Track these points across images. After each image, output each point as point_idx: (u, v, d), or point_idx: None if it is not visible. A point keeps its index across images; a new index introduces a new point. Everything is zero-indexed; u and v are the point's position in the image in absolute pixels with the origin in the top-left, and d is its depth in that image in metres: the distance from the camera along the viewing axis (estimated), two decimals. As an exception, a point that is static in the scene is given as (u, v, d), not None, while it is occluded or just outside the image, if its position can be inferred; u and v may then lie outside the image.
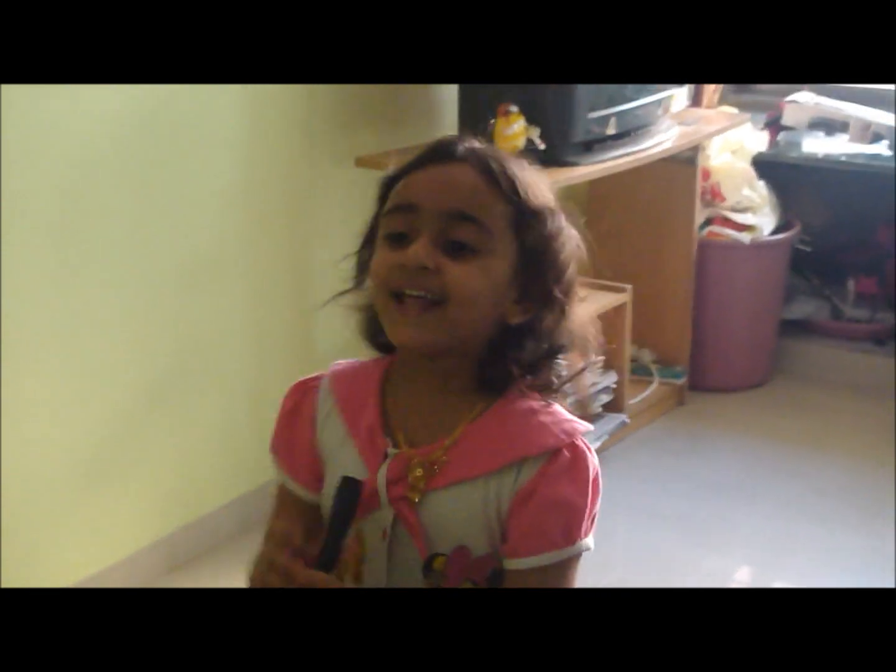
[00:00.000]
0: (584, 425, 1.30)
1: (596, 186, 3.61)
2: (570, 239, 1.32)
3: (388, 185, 1.32)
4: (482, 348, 1.29)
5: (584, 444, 1.29)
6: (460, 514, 1.28)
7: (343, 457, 1.34)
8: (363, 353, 1.39)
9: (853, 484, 3.25)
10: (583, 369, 1.33)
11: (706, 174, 3.67)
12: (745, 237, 3.67)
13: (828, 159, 3.73)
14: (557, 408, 1.30)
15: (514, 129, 2.89)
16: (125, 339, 2.63)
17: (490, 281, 1.26)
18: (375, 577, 1.31)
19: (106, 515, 2.65)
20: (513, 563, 1.28)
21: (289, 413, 1.38)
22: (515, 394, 1.30)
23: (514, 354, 1.28)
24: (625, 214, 3.69)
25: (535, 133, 2.92)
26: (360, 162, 2.87)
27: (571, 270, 1.31)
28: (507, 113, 2.89)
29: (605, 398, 3.39)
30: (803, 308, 3.97)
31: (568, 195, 3.71)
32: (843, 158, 3.72)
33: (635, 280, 3.46)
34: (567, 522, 1.27)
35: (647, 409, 3.59)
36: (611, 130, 3.09)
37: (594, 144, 3.07)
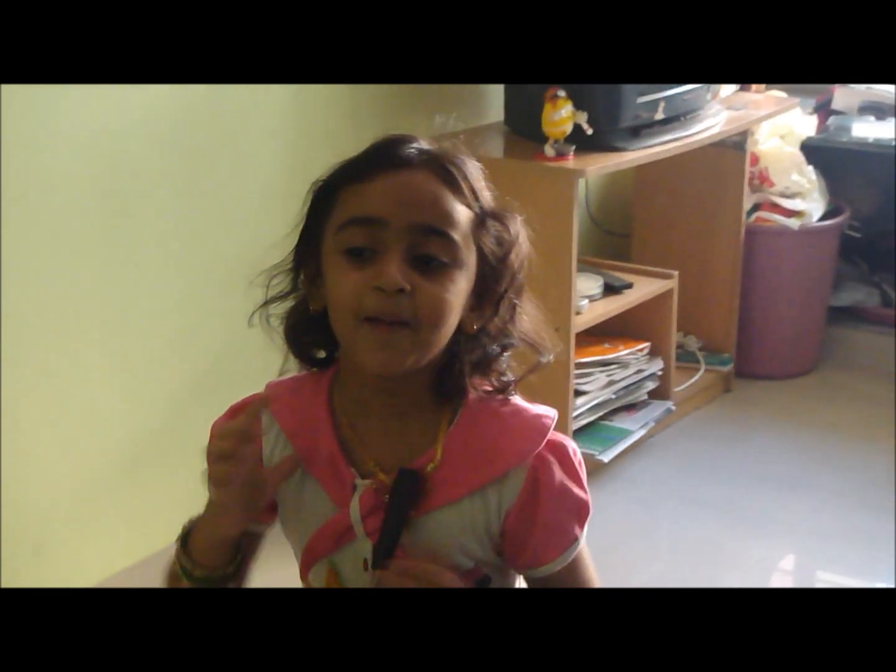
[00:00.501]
0: (549, 413, 1.29)
1: (643, 172, 3.61)
2: (522, 239, 1.29)
3: (327, 193, 1.25)
4: (438, 359, 1.26)
5: (557, 435, 1.29)
6: (444, 537, 1.26)
7: (302, 490, 1.29)
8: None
9: (902, 473, 3.21)
10: (536, 366, 1.31)
11: (754, 159, 3.65)
12: (794, 223, 3.65)
13: (878, 144, 3.68)
14: (518, 401, 1.30)
15: (562, 115, 2.89)
16: (167, 337, 2.63)
17: (460, 293, 1.23)
18: None
19: (145, 507, 2.67)
20: (541, 571, 1.30)
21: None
22: (475, 398, 1.29)
23: (468, 359, 1.27)
24: (672, 200, 3.68)
25: (582, 118, 2.92)
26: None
27: (523, 271, 1.29)
28: (555, 98, 2.88)
29: (651, 385, 3.38)
30: (852, 295, 3.94)
31: (615, 181, 3.77)
32: (894, 143, 3.66)
33: (682, 266, 3.45)
34: (578, 513, 1.29)
35: (694, 396, 3.57)
36: (659, 115, 3.08)
37: (642, 129, 3.05)
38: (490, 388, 1.29)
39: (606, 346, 3.27)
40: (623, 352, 3.28)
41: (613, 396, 3.25)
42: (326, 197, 1.24)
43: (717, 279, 3.65)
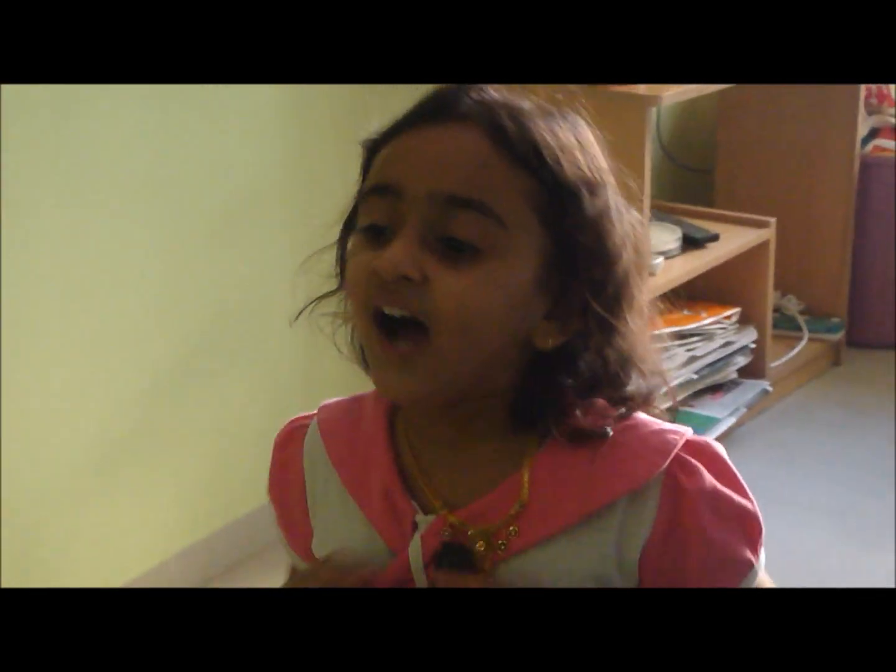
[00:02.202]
0: (679, 429, 1.13)
1: (727, 95, 3.50)
2: (623, 222, 1.11)
3: (368, 156, 1.14)
4: (511, 384, 1.12)
5: (696, 437, 1.14)
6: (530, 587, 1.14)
7: (343, 526, 1.20)
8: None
9: None
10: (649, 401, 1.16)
11: (870, 72, 3.55)
12: (921, 153, 3.55)
13: None
14: (636, 416, 1.14)
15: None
16: (148, 303, 2.61)
17: (502, 293, 1.07)
18: None
19: (123, 509, 2.67)
20: None
21: (278, 465, 1.26)
22: (576, 421, 1.14)
23: (550, 396, 1.12)
24: (765, 128, 3.59)
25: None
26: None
27: (625, 268, 1.10)
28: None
29: (742, 361, 3.29)
30: None
31: (693, 106, 3.70)
32: None
33: (780, 211, 3.37)
34: (745, 529, 1.13)
35: (795, 372, 3.49)
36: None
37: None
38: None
39: (686, 313, 3.19)
40: (707, 320, 3.21)
41: (696, 376, 3.18)
42: (366, 161, 1.15)
43: (823, 226, 3.56)
